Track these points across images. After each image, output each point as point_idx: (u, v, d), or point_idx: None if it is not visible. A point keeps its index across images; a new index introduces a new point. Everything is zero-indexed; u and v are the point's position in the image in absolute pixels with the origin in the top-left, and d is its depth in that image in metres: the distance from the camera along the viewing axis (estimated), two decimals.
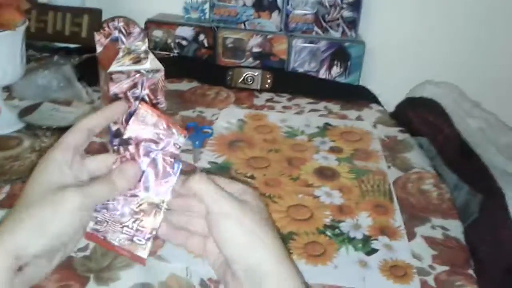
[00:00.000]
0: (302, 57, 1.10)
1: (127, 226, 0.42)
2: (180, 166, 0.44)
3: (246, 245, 0.38)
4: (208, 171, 0.75)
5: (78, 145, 0.42)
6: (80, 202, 0.38)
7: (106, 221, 0.42)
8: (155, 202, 0.42)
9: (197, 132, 0.86)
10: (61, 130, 0.81)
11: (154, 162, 0.44)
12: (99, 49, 0.73)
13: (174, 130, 0.44)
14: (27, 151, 0.76)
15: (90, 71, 0.93)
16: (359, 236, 0.64)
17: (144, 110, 0.44)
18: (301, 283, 0.39)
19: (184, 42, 1.13)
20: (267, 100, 1.04)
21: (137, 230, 0.42)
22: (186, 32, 1.12)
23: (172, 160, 0.44)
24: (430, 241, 0.64)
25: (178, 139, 0.44)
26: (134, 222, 0.42)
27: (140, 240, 0.42)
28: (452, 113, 0.89)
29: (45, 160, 0.40)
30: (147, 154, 0.44)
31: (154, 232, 0.42)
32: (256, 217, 0.39)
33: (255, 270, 0.38)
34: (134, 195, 0.42)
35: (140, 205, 0.43)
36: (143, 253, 0.42)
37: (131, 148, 0.44)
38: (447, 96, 0.93)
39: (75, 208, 0.38)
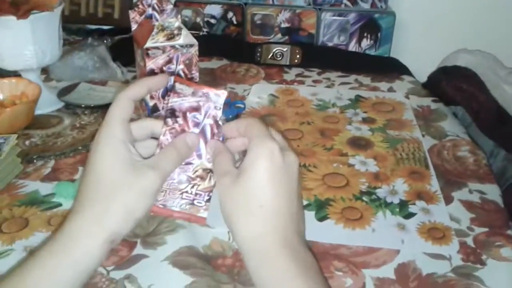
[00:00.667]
0: (331, 30, 1.09)
1: (186, 192, 0.45)
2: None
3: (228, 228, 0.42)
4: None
5: (127, 117, 0.42)
6: (161, 182, 0.41)
7: (164, 190, 0.44)
8: (208, 167, 0.45)
9: (230, 107, 0.88)
10: (99, 109, 0.84)
11: (203, 131, 0.45)
12: (134, 26, 0.75)
13: (211, 94, 0.45)
14: (68, 128, 0.79)
15: (124, 51, 0.95)
16: (396, 201, 0.65)
17: (180, 83, 0.46)
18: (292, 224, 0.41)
19: (212, 21, 1.13)
20: (297, 75, 1.04)
21: (196, 194, 0.45)
22: (215, 10, 1.12)
23: (216, 125, 0.45)
24: (468, 205, 0.64)
25: (217, 100, 0.46)
26: (192, 187, 0.45)
27: (200, 203, 0.45)
28: (487, 80, 0.87)
29: (105, 140, 0.40)
30: (196, 125, 0.46)
31: (211, 193, 0.45)
32: (238, 201, 0.41)
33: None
34: (189, 163, 0.45)
35: (196, 171, 0.45)
36: (204, 213, 0.45)
37: (180, 120, 0.46)
38: (482, 64, 0.92)
39: (157, 190, 0.41)
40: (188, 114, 0.46)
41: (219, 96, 0.46)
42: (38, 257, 0.38)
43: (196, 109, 0.46)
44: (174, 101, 0.46)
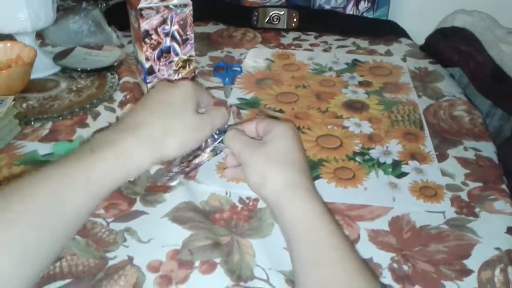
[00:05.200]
0: None
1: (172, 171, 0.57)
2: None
3: (257, 184, 0.49)
4: (238, 106, 0.76)
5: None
6: (212, 128, 0.51)
7: None
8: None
9: (226, 70, 0.88)
10: (95, 72, 0.83)
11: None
12: None
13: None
14: (64, 91, 0.79)
15: (119, 15, 0.94)
16: (389, 161, 0.65)
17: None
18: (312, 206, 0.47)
19: None
20: (294, 39, 1.04)
21: (175, 173, 0.56)
22: None
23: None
24: (463, 161, 0.65)
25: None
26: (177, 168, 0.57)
27: (174, 169, 0.57)
28: (484, 40, 0.87)
29: (185, 87, 0.50)
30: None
31: (187, 169, 0.56)
32: (270, 158, 0.49)
33: (267, 200, 0.48)
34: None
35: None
36: (171, 182, 0.57)
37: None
38: (479, 24, 0.91)
39: (209, 132, 0.51)
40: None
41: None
42: (102, 157, 0.42)
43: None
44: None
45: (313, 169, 0.63)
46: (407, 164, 0.64)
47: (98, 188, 0.42)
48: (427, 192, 0.59)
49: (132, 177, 0.45)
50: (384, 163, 0.65)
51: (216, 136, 0.54)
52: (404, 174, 0.63)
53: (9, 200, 0.38)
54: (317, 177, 0.62)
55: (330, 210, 0.47)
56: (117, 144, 0.44)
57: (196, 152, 0.55)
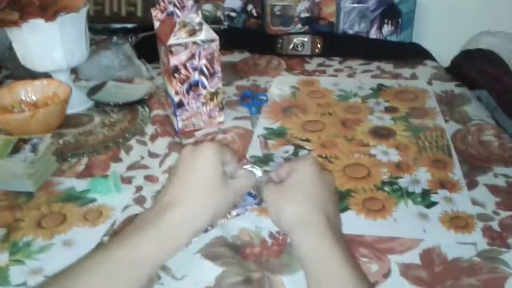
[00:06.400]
0: (351, 18, 1.09)
1: None
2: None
3: (274, 220, 0.53)
4: (264, 137, 0.77)
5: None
6: (239, 195, 0.56)
7: None
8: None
9: (253, 99, 0.89)
10: (127, 106, 0.86)
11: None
12: (156, 24, 0.77)
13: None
14: (98, 126, 0.82)
15: (148, 49, 0.98)
16: (418, 190, 0.64)
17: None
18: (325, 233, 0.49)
19: (233, 14, 1.15)
20: (319, 65, 1.05)
21: None
22: (235, 3, 1.14)
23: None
24: (493, 189, 0.64)
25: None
26: None
27: None
28: (510, 62, 0.86)
29: (209, 154, 0.52)
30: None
31: (209, 228, 0.57)
32: (283, 193, 0.52)
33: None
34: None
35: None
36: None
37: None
38: (505, 46, 0.90)
39: (236, 200, 0.55)
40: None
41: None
42: (149, 238, 0.46)
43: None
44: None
45: (341, 200, 0.63)
46: (436, 193, 0.64)
47: (143, 269, 0.45)
48: (457, 222, 0.59)
49: (172, 256, 0.48)
50: (413, 192, 0.64)
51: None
52: (433, 204, 0.62)
53: (64, 285, 0.42)
54: (346, 208, 0.62)
55: (346, 244, 0.49)
56: (158, 225, 0.47)
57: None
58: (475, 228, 0.58)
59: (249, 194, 0.60)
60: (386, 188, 0.65)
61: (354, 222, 0.59)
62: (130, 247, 0.45)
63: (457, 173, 0.68)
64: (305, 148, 0.74)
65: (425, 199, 0.63)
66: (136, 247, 0.45)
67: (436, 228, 0.58)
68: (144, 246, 0.45)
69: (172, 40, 0.73)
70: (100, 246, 0.47)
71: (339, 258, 0.46)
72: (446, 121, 0.81)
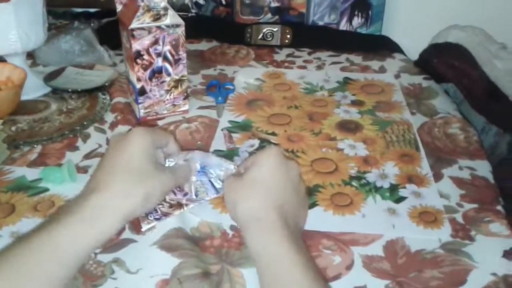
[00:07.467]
0: (321, 9, 1.08)
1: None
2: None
3: (230, 213, 0.51)
4: (229, 130, 0.75)
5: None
6: (172, 186, 0.53)
7: None
8: (183, 203, 0.57)
9: (219, 88, 0.87)
10: (87, 93, 0.82)
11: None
12: (119, 7, 0.74)
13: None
14: (55, 113, 0.78)
15: (111, 34, 0.94)
16: (386, 185, 0.63)
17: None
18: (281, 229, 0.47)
19: (201, 1, 1.12)
20: (288, 55, 1.03)
21: (154, 210, 0.55)
22: None
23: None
24: (458, 181, 0.64)
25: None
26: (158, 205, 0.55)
27: (150, 216, 0.54)
28: (478, 56, 0.86)
29: (139, 136, 0.50)
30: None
31: (163, 218, 0.55)
32: (241, 187, 0.50)
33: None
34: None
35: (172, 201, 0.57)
36: (145, 226, 0.54)
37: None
38: (473, 40, 0.90)
39: (168, 190, 0.52)
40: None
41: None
42: (66, 223, 0.43)
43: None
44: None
45: (309, 195, 0.61)
46: (404, 187, 0.63)
47: (67, 256, 0.43)
48: (426, 217, 0.58)
49: (102, 242, 0.46)
50: (381, 187, 0.63)
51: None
52: (402, 199, 0.61)
53: None
54: (314, 204, 0.60)
55: (303, 242, 0.48)
56: (82, 208, 0.44)
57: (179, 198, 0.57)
58: (444, 223, 0.57)
59: (213, 185, 0.57)
60: (354, 183, 0.64)
61: (322, 218, 0.58)
62: (48, 235, 0.42)
63: (424, 167, 0.67)
64: (271, 142, 0.72)
65: (394, 194, 0.62)
66: (56, 234, 0.42)
67: (405, 223, 0.57)
68: (65, 233, 0.43)
69: (134, 24, 0.69)
70: (21, 236, 0.44)
71: (293, 257, 0.43)
72: (413, 113, 0.80)
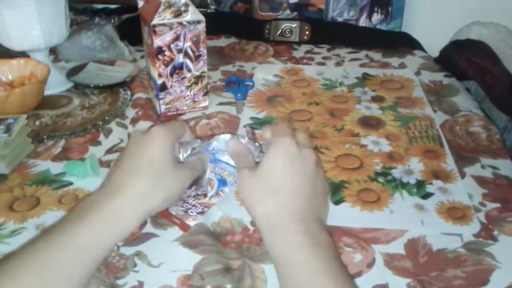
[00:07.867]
0: (340, 5, 1.07)
1: (187, 203, 0.55)
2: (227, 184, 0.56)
3: (247, 210, 0.49)
4: (251, 127, 0.74)
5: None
6: (190, 181, 0.53)
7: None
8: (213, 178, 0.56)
9: (238, 85, 0.87)
10: (108, 88, 0.83)
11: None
12: (140, 4, 0.74)
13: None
14: (77, 108, 0.79)
15: (131, 30, 0.95)
16: (412, 181, 0.63)
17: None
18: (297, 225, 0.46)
19: None
20: (306, 52, 1.03)
21: (193, 205, 0.55)
22: None
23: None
24: (480, 180, 0.63)
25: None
26: (193, 201, 0.56)
27: (192, 212, 0.55)
28: (500, 53, 0.85)
29: (161, 137, 0.50)
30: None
31: (206, 209, 0.55)
32: (256, 183, 0.49)
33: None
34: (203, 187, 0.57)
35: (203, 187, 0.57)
36: (191, 222, 0.54)
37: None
38: (495, 37, 0.89)
39: (187, 185, 0.53)
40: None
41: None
42: (87, 223, 0.44)
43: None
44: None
45: (336, 191, 0.61)
46: (431, 183, 0.63)
47: (87, 255, 0.43)
48: (455, 213, 0.57)
49: (121, 240, 0.48)
50: (408, 183, 0.63)
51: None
52: (429, 195, 0.61)
53: (7, 271, 0.40)
54: (341, 200, 0.60)
55: (325, 237, 0.46)
56: (103, 209, 0.45)
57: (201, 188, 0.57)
58: (473, 219, 0.56)
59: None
60: (380, 179, 0.63)
61: (350, 215, 0.57)
62: (69, 235, 0.43)
63: (450, 163, 0.66)
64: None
65: (420, 190, 0.62)
66: (77, 234, 0.43)
67: (434, 220, 0.57)
68: (85, 233, 0.43)
69: (156, 20, 0.70)
70: (42, 232, 0.44)
71: (313, 264, 0.43)
72: (434, 111, 0.80)
